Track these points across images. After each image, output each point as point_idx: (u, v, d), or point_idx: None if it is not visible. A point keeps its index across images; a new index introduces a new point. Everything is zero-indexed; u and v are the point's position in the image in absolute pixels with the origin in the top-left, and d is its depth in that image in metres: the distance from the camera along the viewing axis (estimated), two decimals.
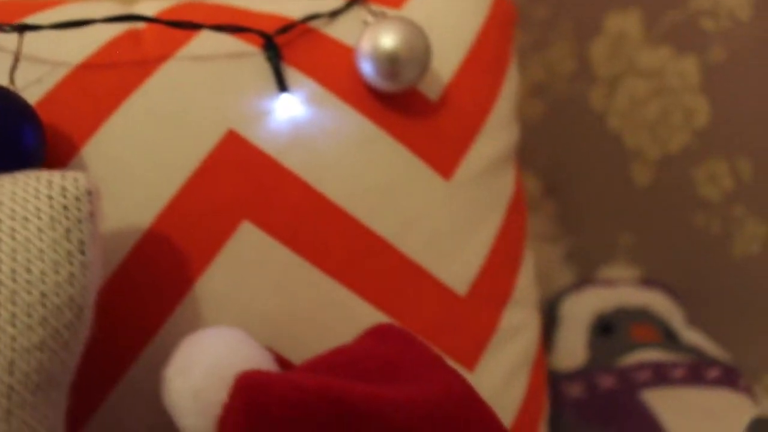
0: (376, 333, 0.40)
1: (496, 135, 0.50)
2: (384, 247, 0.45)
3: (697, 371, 0.74)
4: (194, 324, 0.42)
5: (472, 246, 0.48)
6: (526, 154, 0.98)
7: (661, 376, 0.73)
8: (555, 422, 0.71)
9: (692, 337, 0.78)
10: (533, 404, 0.53)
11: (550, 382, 0.75)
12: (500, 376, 0.50)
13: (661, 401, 0.71)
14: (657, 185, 0.89)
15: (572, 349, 0.78)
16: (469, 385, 0.36)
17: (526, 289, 0.53)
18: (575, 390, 0.74)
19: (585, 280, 0.85)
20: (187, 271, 0.42)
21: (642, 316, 0.79)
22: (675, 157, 0.87)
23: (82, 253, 0.33)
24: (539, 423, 0.53)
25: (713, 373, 0.74)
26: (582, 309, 0.80)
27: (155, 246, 0.42)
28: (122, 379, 0.42)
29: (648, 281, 0.84)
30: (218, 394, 0.36)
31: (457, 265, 0.48)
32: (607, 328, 0.78)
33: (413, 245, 0.46)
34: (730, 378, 0.73)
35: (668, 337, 0.78)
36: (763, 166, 0.82)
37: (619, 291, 0.81)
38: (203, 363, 0.37)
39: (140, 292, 0.42)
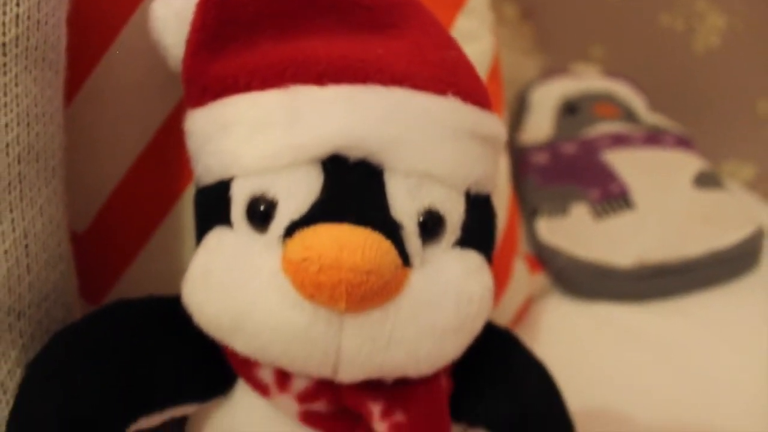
0: None
1: None
2: None
3: (655, 137, 0.79)
4: None
5: None
6: None
7: (620, 141, 0.79)
8: (521, 186, 0.77)
9: (653, 118, 0.84)
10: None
11: (518, 155, 0.81)
12: None
13: (619, 158, 0.77)
14: None
15: (539, 127, 0.83)
16: None
17: (479, 6, 0.58)
18: (541, 158, 0.80)
19: (553, 70, 0.90)
20: None
21: (606, 98, 0.85)
22: None
23: None
24: None
25: (669, 139, 0.79)
26: (550, 95, 0.85)
27: None
28: (115, 41, 0.48)
29: (612, 72, 0.89)
30: None
31: None
32: (572, 109, 0.84)
33: None
34: (685, 142, 0.79)
35: (630, 117, 0.83)
36: None
37: (585, 80, 0.87)
38: None
39: None
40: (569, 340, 0.65)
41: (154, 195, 0.50)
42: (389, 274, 0.33)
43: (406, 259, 0.35)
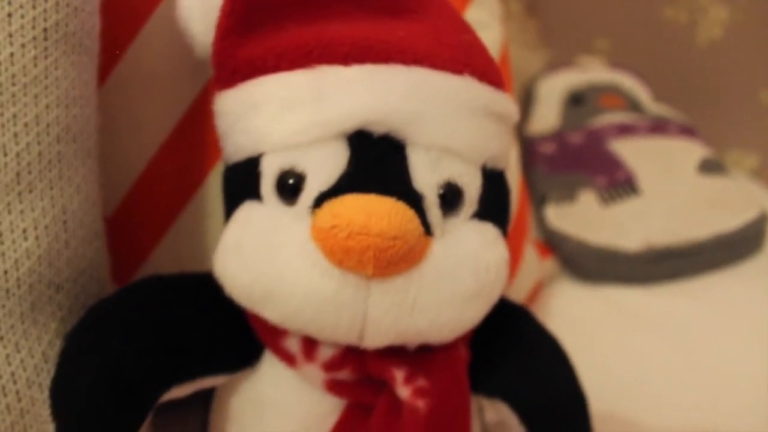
0: None
1: None
2: None
3: (660, 126, 0.81)
4: None
5: None
6: None
7: (626, 130, 0.81)
8: (530, 175, 0.79)
9: (658, 108, 0.86)
10: None
11: (526, 146, 0.83)
12: None
13: (624, 147, 0.79)
14: None
15: (546, 118, 0.85)
16: None
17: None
18: (548, 148, 0.82)
19: (558, 63, 0.92)
20: None
21: (611, 89, 0.87)
22: None
23: None
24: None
25: (674, 127, 0.81)
26: (556, 87, 0.87)
27: None
28: (141, 31, 0.50)
29: (616, 64, 0.91)
30: None
31: None
32: (578, 100, 0.86)
33: None
34: (689, 130, 0.81)
35: (635, 108, 0.85)
36: None
37: (590, 72, 0.89)
38: None
39: None
40: (578, 323, 0.67)
41: (178, 180, 0.52)
42: (414, 240, 0.35)
43: (427, 228, 0.37)
